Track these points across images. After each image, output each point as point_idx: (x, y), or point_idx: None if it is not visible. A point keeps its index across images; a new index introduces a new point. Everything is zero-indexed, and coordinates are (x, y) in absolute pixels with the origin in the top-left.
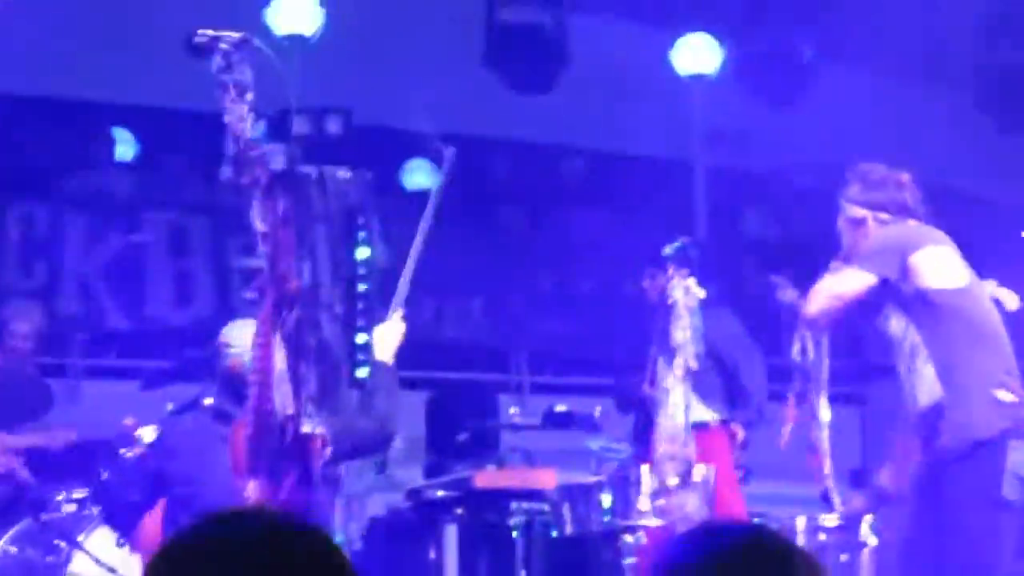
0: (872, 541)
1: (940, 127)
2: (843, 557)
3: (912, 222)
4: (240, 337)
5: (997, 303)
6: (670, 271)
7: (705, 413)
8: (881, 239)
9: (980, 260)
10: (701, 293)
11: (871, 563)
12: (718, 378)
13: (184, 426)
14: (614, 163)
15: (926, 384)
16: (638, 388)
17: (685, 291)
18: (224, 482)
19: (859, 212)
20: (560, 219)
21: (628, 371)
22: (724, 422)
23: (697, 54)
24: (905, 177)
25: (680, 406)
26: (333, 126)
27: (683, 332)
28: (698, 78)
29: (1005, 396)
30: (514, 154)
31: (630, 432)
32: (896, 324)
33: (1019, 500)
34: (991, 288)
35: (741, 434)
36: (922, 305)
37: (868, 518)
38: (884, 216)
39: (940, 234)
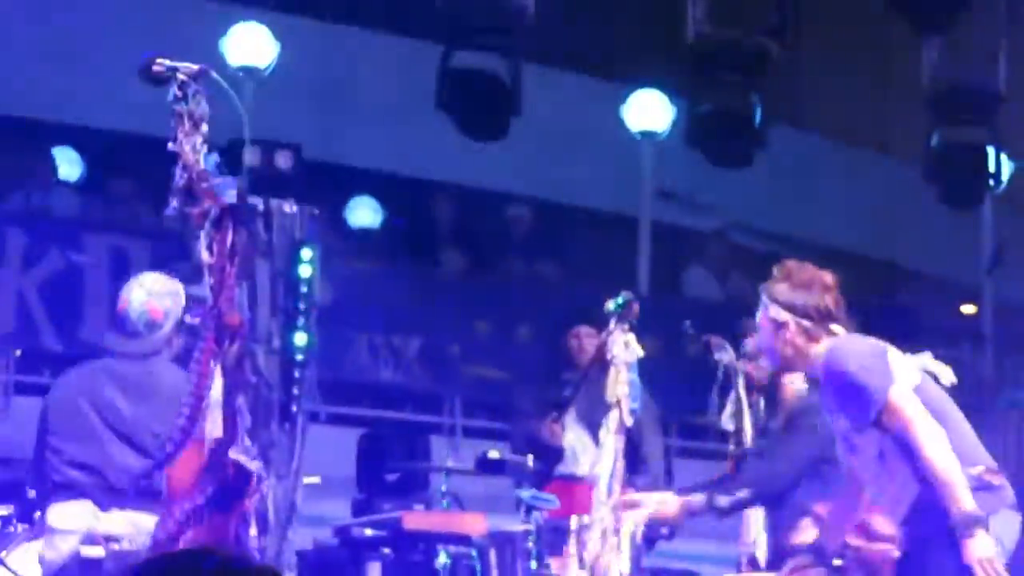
0: None
1: (888, 196)
2: None
3: (835, 327)
4: None
5: (933, 378)
6: (611, 326)
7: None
8: (867, 354)
9: (923, 333)
10: (640, 350)
11: None
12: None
13: None
14: (560, 214)
15: (901, 479)
16: (539, 433)
17: (625, 346)
18: None
19: (783, 315)
20: (503, 267)
21: (529, 416)
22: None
23: (648, 111)
24: (830, 279)
25: (610, 460)
26: (283, 160)
27: (621, 387)
28: (648, 135)
29: (977, 472)
30: (461, 199)
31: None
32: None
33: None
34: (926, 362)
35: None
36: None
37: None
38: (806, 323)
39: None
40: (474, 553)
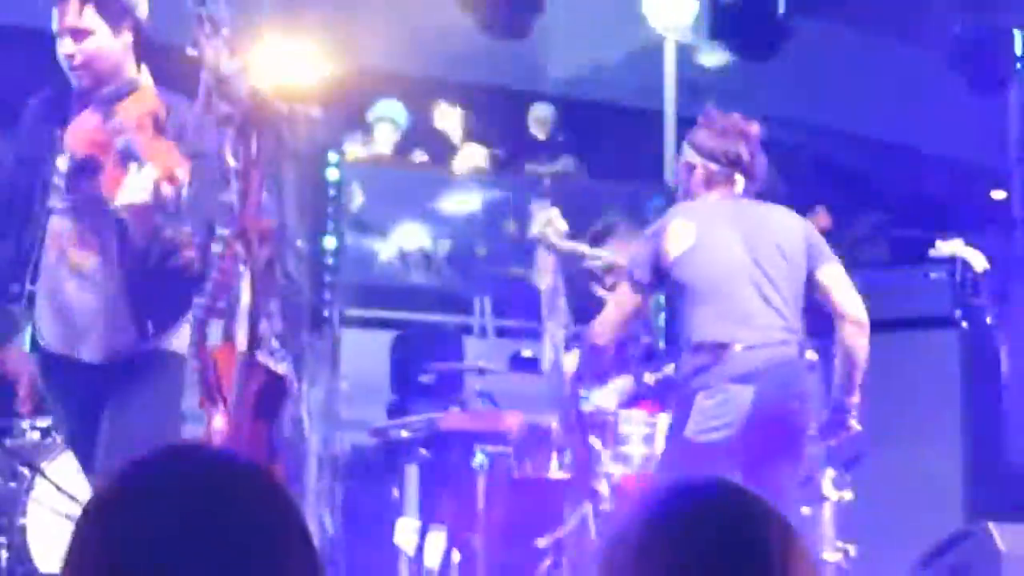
0: (833, 496)
1: (913, 85)
2: (805, 510)
3: (738, 177)
4: None
5: (964, 263)
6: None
7: None
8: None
9: (951, 220)
10: (563, 225)
11: (833, 517)
12: None
13: None
14: (584, 111)
15: None
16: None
17: (547, 224)
18: None
19: (694, 159)
20: (527, 165)
21: None
22: None
23: (671, 5)
24: (754, 129)
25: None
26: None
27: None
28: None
29: (697, 342)
30: (487, 100)
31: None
32: None
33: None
34: (956, 248)
35: None
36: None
37: (830, 473)
38: (713, 166)
39: (705, 207)
40: (511, 451)
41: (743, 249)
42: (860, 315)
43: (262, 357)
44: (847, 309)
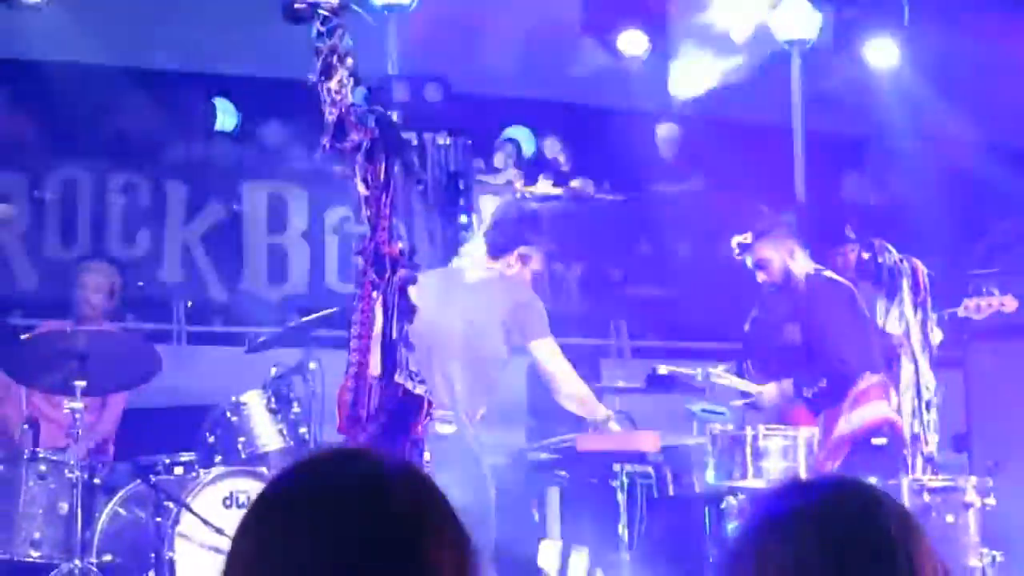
0: (977, 502)
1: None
2: (949, 518)
3: None
4: None
5: None
6: None
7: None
8: None
9: None
10: None
11: (977, 523)
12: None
13: None
14: (711, 129)
15: None
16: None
17: None
18: None
19: None
20: (656, 185)
21: None
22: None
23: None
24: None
25: None
26: (432, 93)
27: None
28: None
29: None
30: (616, 123)
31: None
32: None
33: None
34: None
35: None
36: None
37: (973, 480)
38: None
39: None
40: (650, 470)
41: None
42: None
43: (399, 378)
44: None
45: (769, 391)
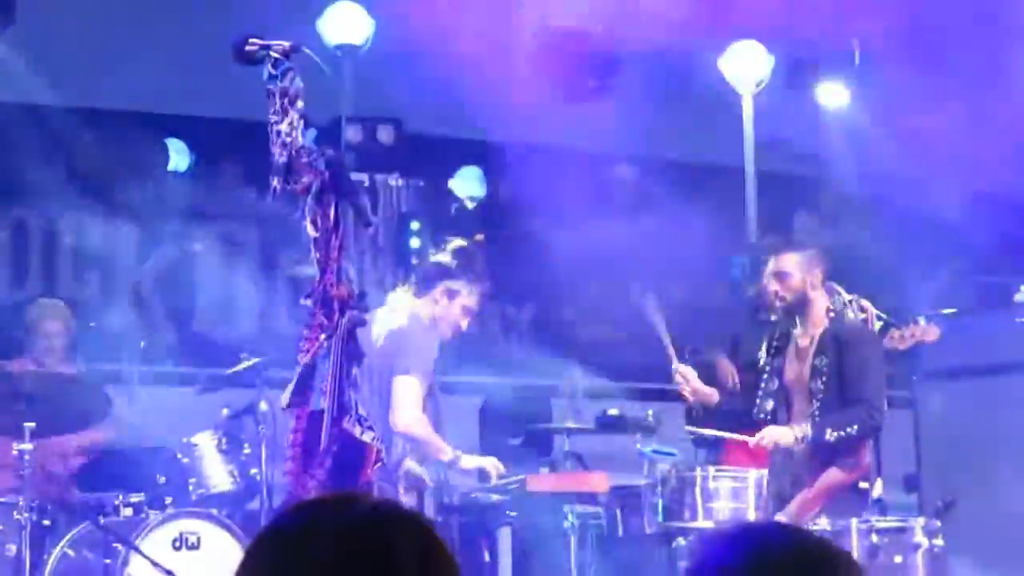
0: (925, 543)
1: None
2: (897, 559)
3: None
4: None
5: None
6: None
7: None
8: None
9: None
10: None
11: (925, 565)
12: None
13: None
14: (663, 170)
15: None
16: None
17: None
18: None
19: None
20: (608, 226)
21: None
22: None
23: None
24: None
25: None
26: (384, 135)
27: None
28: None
29: None
30: (565, 163)
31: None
32: None
33: None
34: None
35: None
36: None
37: (921, 521)
38: None
39: None
40: (600, 511)
41: None
42: None
43: (347, 424)
44: None
45: (783, 436)
